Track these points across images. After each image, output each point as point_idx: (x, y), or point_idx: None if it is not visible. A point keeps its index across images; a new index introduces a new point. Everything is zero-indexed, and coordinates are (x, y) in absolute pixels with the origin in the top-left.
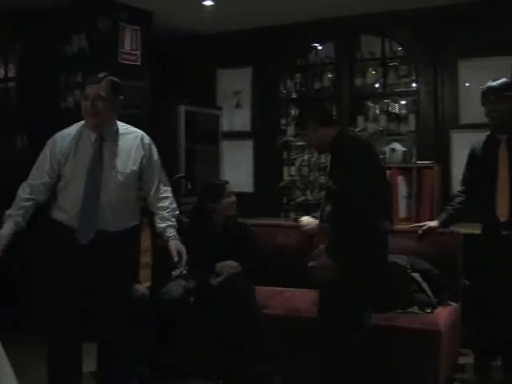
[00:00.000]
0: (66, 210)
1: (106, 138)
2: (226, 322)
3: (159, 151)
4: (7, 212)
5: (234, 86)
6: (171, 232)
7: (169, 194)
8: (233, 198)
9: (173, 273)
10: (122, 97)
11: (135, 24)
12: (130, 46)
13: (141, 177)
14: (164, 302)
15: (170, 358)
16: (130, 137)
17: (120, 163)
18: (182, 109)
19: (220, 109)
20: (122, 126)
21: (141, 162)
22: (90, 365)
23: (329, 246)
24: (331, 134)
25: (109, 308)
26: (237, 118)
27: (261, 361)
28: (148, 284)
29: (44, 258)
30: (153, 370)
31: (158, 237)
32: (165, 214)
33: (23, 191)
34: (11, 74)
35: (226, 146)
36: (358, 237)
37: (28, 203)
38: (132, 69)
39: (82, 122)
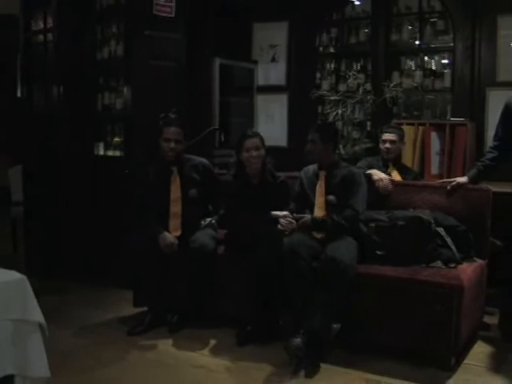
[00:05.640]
0: None
1: None
2: (258, 269)
3: (193, 103)
4: None
5: (271, 40)
6: None
7: None
8: (251, 153)
9: (202, 222)
10: None
11: None
12: None
13: None
14: (193, 250)
15: (198, 305)
16: None
17: None
18: (217, 62)
19: (255, 62)
20: None
21: None
22: (123, 310)
23: None
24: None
25: None
26: (272, 71)
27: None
28: (178, 233)
29: None
30: (181, 317)
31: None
32: None
33: None
34: (49, 25)
35: (261, 100)
36: None
37: None
38: (166, 21)
39: None
